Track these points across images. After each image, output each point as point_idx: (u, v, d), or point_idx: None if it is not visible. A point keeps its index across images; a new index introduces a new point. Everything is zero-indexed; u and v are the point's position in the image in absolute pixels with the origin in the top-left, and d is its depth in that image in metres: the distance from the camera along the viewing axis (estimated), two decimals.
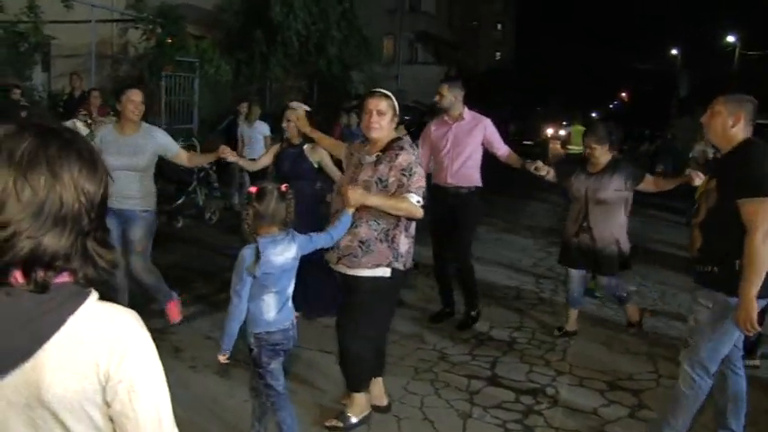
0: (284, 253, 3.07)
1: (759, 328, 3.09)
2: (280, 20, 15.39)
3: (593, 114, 47.16)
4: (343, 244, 3.45)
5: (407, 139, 3.59)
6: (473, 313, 5.53)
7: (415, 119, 17.76)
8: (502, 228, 10.23)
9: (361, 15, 18.11)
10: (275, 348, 3.16)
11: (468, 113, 5.40)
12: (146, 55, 12.80)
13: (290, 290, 3.20)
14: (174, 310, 5.06)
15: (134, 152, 4.72)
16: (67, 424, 1.13)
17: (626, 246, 5.12)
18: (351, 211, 3.34)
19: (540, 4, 60.40)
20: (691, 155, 9.73)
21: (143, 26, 12.58)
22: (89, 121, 6.94)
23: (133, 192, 4.72)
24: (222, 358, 3.12)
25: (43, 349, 1.08)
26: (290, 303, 3.20)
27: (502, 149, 5.47)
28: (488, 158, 5.57)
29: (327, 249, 3.50)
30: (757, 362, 4.87)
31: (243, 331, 3.16)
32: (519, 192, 12.95)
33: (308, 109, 5.12)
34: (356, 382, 3.74)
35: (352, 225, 3.39)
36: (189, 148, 8.77)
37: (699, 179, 4.32)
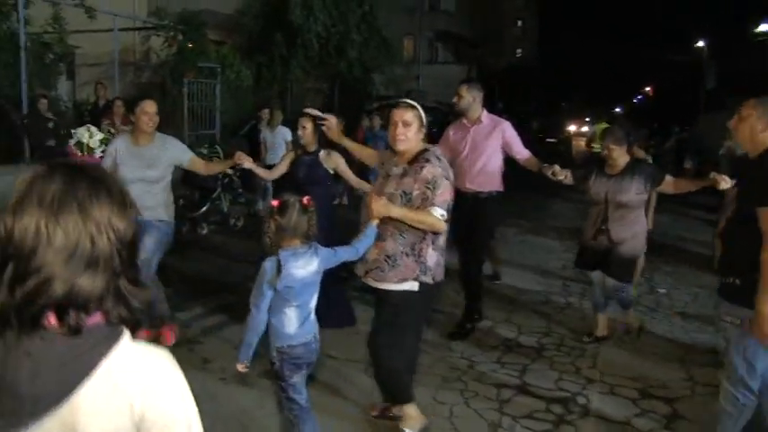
0: (306, 266, 3.04)
1: None
2: (299, 22, 15.43)
3: (617, 110, 46.78)
4: (371, 257, 3.42)
5: (435, 150, 3.51)
6: (468, 325, 5.41)
7: (437, 119, 17.70)
8: (528, 229, 10.15)
9: (381, 16, 18.08)
10: (297, 362, 3.13)
11: (486, 117, 5.33)
12: (167, 62, 12.92)
13: (313, 303, 3.17)
14: (169, 336, 4.89)
15: (149, 163, 4.69)
16: None
17: (641, 250, 5.04)
18: (375, 222, 3.31)
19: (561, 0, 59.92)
20: (720, 152, 9.52)
21: (164, 33, 12.71)
22: (112, 131, 6.98)
23: (148, 202, 4.65)
24: (240, 367, 3.12)
25: (78, 392, 1.07)
26: (312, 317, 3.17)
27: (522, 153, 5.38)
28: (511, 158, 5.51)
29: (354, 261, 3.46)
30: None
31: (267, 344, 3.15)
32: (543, 191, 12.80)
33: (321, 115, 5.09)
34: (399, 394, 3.68)
35: (378, 238, 3.36)
36: (212, 155, 8.83)
37: (725, 183, 4.18)
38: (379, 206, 3.25)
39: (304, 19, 15.50)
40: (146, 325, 1.17)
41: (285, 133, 9.44)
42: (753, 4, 28.37)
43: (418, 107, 3.49)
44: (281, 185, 5.44)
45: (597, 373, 4.73)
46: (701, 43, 33.31)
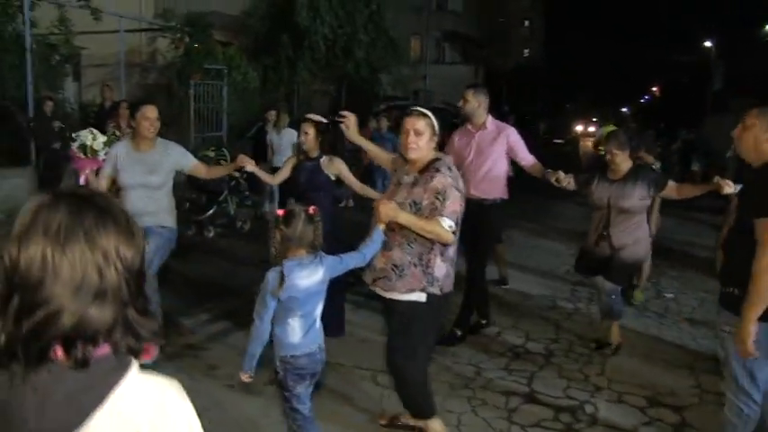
0: (311, 276, 3.02)
1: (755, 355, 2.89)
2: (306, 24, 15.42)
3: (624, 110, 46.60)
4: (378, 266, 3.40)
5: (447, 159, 3.48)
6: (459, 332, 5.32)
7: (446, 121, 17.67)
8: (534, 231, 10.13)
9: (388, 17, 18.05)
10: (301, 373, 3.12)
11: (491, 122, 5.30)
12: (174, 63, 12.93)
13: (318, 313, 3.15)
14: (151, 351, 4.86)
15: (150, 169, 4.64)
16: None
17: (644, 255, 4.97)
18: (382, 226, 3.27)
19: (568, 0, 59.79)
20: (728, 155, 9.47)
21: (171, 35, 12.70)
22: (118, 133, 6.97)
23: (150, 208, 4.61)
24: (244, 377, 3.11)
25: (86, 425, 1.06)
26: (317, 326, 3.15)
27: (527, 159, 5.32)
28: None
29: (362, 268, 3.45)
30: None
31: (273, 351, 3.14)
32: (550, 193, 12.74)
33: (324, 120, 5.07)
34: (421, 408, 3.65)
35: (385, 247, 3.33)
36: (219, 158, 8.82)
37: (729, 187, 4.14)
38: (387, 209, 3.22)
39: (310, 21, 15.48)
40: None
41: (292, 135, 9.40)
42: (761, 5, 28.22)
43: (431, 116, 3.45)
44: (289, 188, 5.42)
45: (605, 381, 4.71)
46: (708, 43, 33.14)
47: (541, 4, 53.60)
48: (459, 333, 5.30)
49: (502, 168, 5.31)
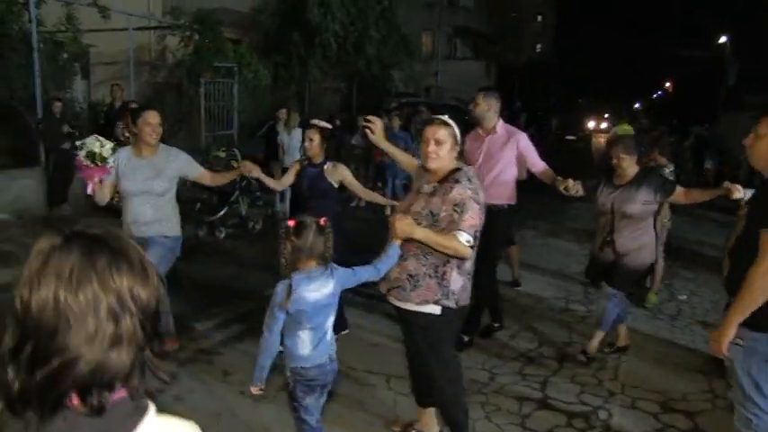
0: (320, 289, 2.98)
1: (726, 354, 2.92)
2: (317, 21, 15.36)
3: (636, 105, 46.27)
4: (393, 275, 3.35)
5: (468, 170, 3.39)
6: (465, 338, 5.25)
7: (458, 119, 17.61)
8: (546, 231, 10.08)
9: (400, 13, 17.96)
10: (311, 384, 3.11)
11: (501, 127, 5.24)
12: (183, 61, 12.88)
13: (329, 325, 3.12)
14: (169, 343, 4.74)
15: (152, 176, 4.52)
16: None
17: (647, 262, 4.92)
18: (398, 242, 3.22)
19: None
20: (742, 157, 9.35)
21: (180, 33, 12.65)
22: (127, 135, 6.96)
23: (153, 216, 4.53)
24: (255, 390, 3.10)
25: None
26: (328, 338, 3.12)
27: (537, 165, 5.25)
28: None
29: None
30: None
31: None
32: (561, 192, 12.68)
33: (329, 127, 5.03)
34: (457, 424, 3.59)
35: (401, 257, 3.27)
36: (230, 159, 8.82)
37: (738, 192, 4.08)
38: (404, 225, 3.14)
39: (321, 17, 15.41)
40: None
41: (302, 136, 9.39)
42: None
43: (453, 125, 3.37)
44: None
45: (619, 386, 4.69)
46: (722, 39, 32.80)
47: None
48: (466, 339, 5.25)
49: (511, 174, 5.24)
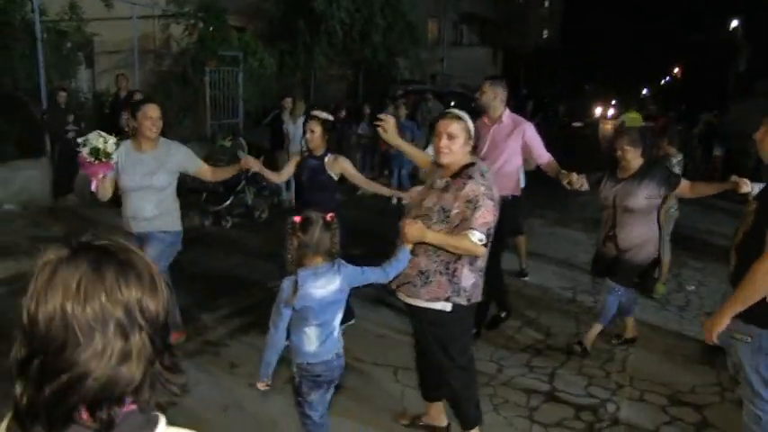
0: (327, 286, 2.95)
1: (716, 341, 2.93)
2: (322, 8, 15.25)
3: (644, 92, 45.94)
4: (403, 271, 3.31)
5: (481, 165, 3.33)
6: (473, 330, 5.22)
7: (464, 106, 17.55)
8: (554, 220, 10.04)
9: (405, 0, 17.83)
10: (317, 380, 3.09)
11: (507, 116, 5.18)
12: (188, 50, 12.82)
13: (337, 322, 3.09)
14: (176, 337, 4.78)
15: (151, 171, 4.44)
16: None
17: (650, 257, 4.87)
18: (409, 246, 3.18)
19: None
20: (751, 147, 9.26)
21: (184, 21, 12.60)
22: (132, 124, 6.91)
23: (153, 211, 4.46)
24: (261, 385, 3.08)
25: None
26: (335, 334, 3.09)
27: (542, 156, 5.17)
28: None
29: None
30: None
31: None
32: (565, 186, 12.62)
33: (330, 118, 4.98)
34: (468, 418, 3.58)
35: (412, 253, 3.23)
36: (237, 148, 8.79)
37: (746, 186, 4.03)
38: (414, 230, 3.11)
39: (326, 5, 15.31)
40: None
41: None
42: None
43: (466, 118, 3.31)
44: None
45: (627, 378, 4.67)
46: (734, 23, 32.49)
47: None
48: (473, 331, 5.22)
49: (516, 164, 5.18)
